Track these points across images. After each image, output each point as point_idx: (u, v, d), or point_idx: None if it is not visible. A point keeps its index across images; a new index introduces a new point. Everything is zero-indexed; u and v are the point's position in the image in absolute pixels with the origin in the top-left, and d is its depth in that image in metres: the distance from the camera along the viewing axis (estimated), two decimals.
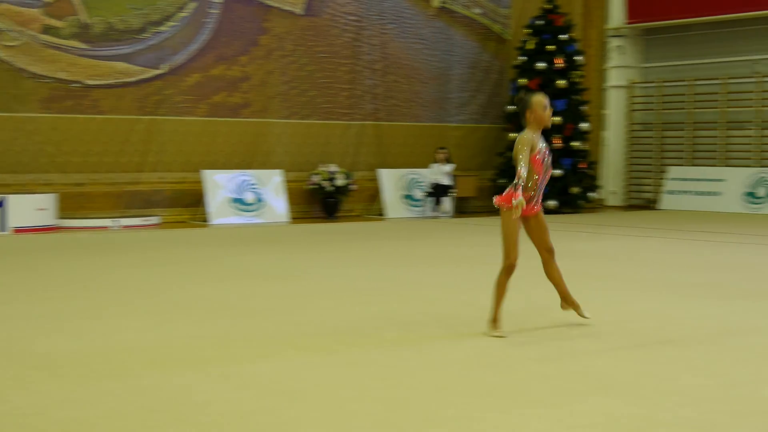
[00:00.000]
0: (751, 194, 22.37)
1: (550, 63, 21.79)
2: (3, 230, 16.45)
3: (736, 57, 23.19)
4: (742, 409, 5.48)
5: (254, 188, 19.52)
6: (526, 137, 7.53)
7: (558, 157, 21.41)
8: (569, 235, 16.41)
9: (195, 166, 19.23)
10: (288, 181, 20.00)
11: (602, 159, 24.80)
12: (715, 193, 22.92)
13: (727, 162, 23.36)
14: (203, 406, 5.50)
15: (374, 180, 21.33)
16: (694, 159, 23.97)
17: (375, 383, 6.06)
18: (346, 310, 8.79)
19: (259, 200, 19.50)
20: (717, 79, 23.47)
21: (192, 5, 19.37)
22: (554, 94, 21.52)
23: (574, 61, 22.16)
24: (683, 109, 24.10)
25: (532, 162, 7.53)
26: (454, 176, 21.15)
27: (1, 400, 5.62)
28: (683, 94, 24.15)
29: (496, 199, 7.64)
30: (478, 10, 23.38)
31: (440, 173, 20.89)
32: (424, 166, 21.48)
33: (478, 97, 23.48)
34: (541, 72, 21.81)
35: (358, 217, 20.68)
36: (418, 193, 21.40)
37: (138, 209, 18.60)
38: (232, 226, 18.47)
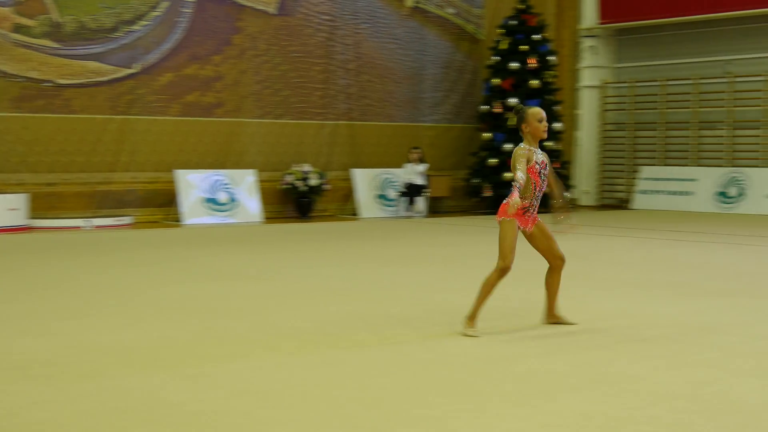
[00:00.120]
0: (722, 194, 22.50)
1: (523, 63, 21.84)
2: None
3: (708, 57, 23.32)
4: (714, 408, 5.50)
5: (227, 188, 19.47)
6: (521, 150, 7.58)
7: None
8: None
9: (168, 165, 19.16)
10: (261, 181, 19.96)
11: (575, 159, 24.89)
12: (687, 193, 23.04)
13: (699, 162, 23.48)
14: (176, 406, 5.48)
15: (348, 180, 21.32)
16: (666, 159, 24.08)
17: (348, 383, 6.05)
18: (319, 310, 8.78)
19: (233, 200, 19.45)
20: (689, 79, 23.59)
21: (165, 4, 19.30)
22: (527, 94, 21.62)
23: (547, 61, 22.22)
24: (655, 109, 24.21)
25: (529, 173, 7.56)
26: (428, 176, 21.16)
27: None
28: (655, 95, 24.26)
29: (496, 217, 7.69)
30: (451, 10, 23.41)
31: (414, 173, 20.90)
32: (398, 165, 21.49)
33: (451, 97, 23.50)
34: (514, 72, 21.86)
35: (331, 217, 20.66)
36: (392, 193, 21.41)
37: (110, 209, 18.51)
38: (205, 226, 18.42)
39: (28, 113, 17.84)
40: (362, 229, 18.40)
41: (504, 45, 22.17)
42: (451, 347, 7.15)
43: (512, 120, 7.97)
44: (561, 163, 21.89)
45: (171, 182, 18.96)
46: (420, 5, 22.90)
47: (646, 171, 23.98)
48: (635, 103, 24.63)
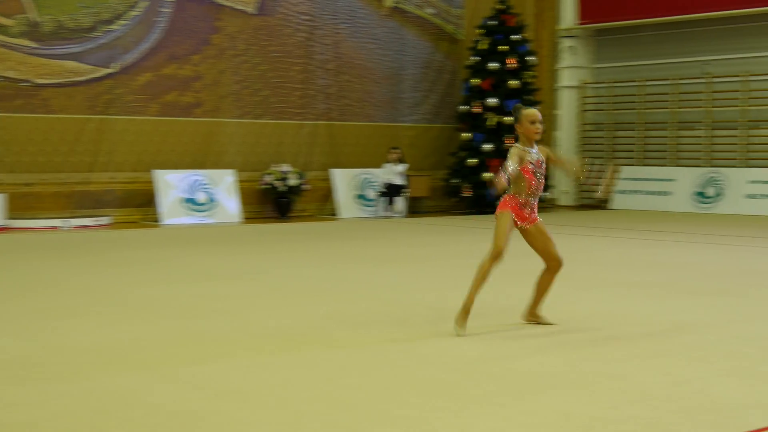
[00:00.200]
0: (701, 194, 22.60)
1: (502, 63, 21.87)
2: None
3: (686, 58, 23.41)
4: (691, 406, 5.52)
5: (206, 188, 19.42)
6: (514, 149, 7.66)
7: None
8: (520, 235, 16.46)
9: (146, 165, 19.10)
10: (240, 181, 19.92)
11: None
12: (665, 193, 23.13)
13: (677, 162, 23.57)
14: (153, 407, 5.46)
15: (327, 180, 21.30)
16: (644, 159, 24.16)
17: (326, 383, 6.04)
18: (297, 310, 8.76)
19: (211, 200, 19.40)
20: (667, 79, 23.67)
21: (143, 4, 19.23)
22: (506, 95, 21.66)
23: (527, 61, 22.26)
24: (634, 109, 24.29)
25: (522, 172, 7.64)
26: (407, 176, 21.17)
27: None
28: (634, 95, 24.34)
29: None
30: (430, 10, 23.42)
31: (393, 173, 20.90)
32: (377, 165, 21.48)
33: (430, 97, 23.51)
34: (493, 72, 21.89)
35: (310, 217, 20.64)
36: (371, 193, 21.40)
37: (88, 209, 18.44)
38: (184, 226, 18.37)
39: (5, 113, 17.75)
40: (341, 229, 18.39)
41: (483, 45, 22.20)
42: (431, 347, 7.15)
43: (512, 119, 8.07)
44: None
45: (149, 182, 18.90)
46: (399, 5, 22.90)
47: (625, 171, 24.05)
48: (614, 103, 24.70)
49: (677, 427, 5.13)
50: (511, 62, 21.89)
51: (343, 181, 21.30)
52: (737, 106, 22.59)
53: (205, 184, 19.41)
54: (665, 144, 23.85)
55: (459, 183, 22.00)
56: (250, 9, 20.60)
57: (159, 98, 19.44)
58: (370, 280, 10.84)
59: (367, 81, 22.45)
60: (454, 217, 21.12)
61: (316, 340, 7.40)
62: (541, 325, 7.94)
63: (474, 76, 22.18)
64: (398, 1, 22.88)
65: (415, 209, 21.83)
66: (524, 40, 22.46)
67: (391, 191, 20.91)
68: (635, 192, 23.59)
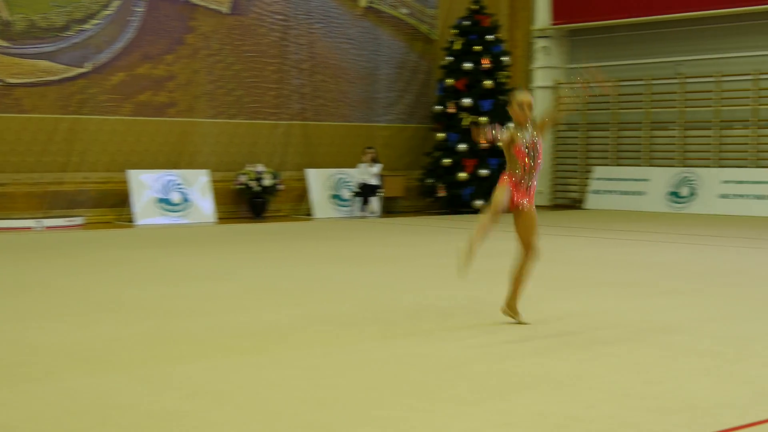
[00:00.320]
0: (674, 194, 22.70)
1: (476, 63, 21.91)
2: None
3: (659, 58, 23.51)
4: (664, 406, 5.53)
5: (180, 188, 19.35)
6: (509, 129, 7.91)
7: (485, 157, 21.54)
8: (495, 235, 16.49)
9: (120, 165, 19.02)
10: (215, 181, 19.86)
11: None
12: (639, 193, 23.22)
13: (651, 162, 23.67)
14: (127, 408, 5.43)
15: (302, 180, 21.27)
16: (618, 159, 24.25)
17: (302, 383, 6.03)
18: (272, 310, 8.75)
19: (186, 200, 19.34)
20: (641, 80, 23.77)
21: (116, 3, 19.15)
22: (481, 95, 21.71)
23: (501, 61, 22.30)
24: (608, 109, 24.37)
25: (515, 152, 7.83)
26: (382, 176, 21.16)
27: None
28: (608, 95, 24.40)
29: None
30: (405, 10, 23.43)
31: (368, 173, 20.89)
32: (352, 166, 21.47)
33: (405, 97, 23.52)
34: (467, 72, 21.92)
35: (285, 217, 20.61)
36: (346, 193, 21.38)
37: (62, 210, 18.34)
38: (158, 226, 18.30)
39: None
40: (316, 229, 18.37)
41: (457, 45, 22.23)
42: (407, 347, 7.14)
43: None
44: None
45: (123, 182, 18.82)
46: (373, 5, 22.90)
47: (599, 171, 24.14)
48: (588, 103, 24.76)
49: (652, 426, 5.15)
50: (486, 62, 21.93)
51: (318, 181, 21.28)
52: (710, 107, 22.71)
53: (179, 184, 19.34)
54: (639, 144, 23.95)
55: (434, 183, 22.02)
56: (224, 9, 20.55)
57: (132, 98, 19.36)
58: (345, 281, 10.83)
59: (341, 81, 22.43)
60: (429, 217, 21.14)
61: (293, 340, 7.39)
62: (517, 325, 7.94)
63: (448, 76, 22.21)
64: (372, 1, 22.87)
65: (390, 209, 21.84)
66: (498, 41, 22.51)
67: (365, 191, 20.90)
68: (609, 192, 23.68)
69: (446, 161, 21.70)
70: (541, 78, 25.09)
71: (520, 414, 5.37)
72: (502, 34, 23.16)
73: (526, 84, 25.04)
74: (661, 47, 23.51)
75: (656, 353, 6.98)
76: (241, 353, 6.92)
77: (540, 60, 25.06)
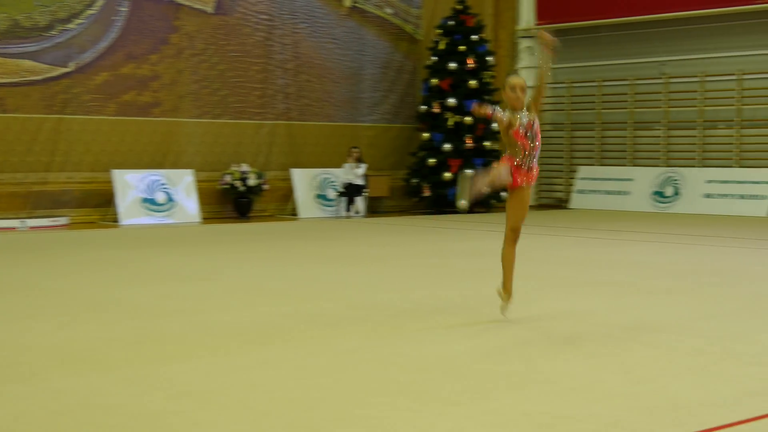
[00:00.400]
0: (659, 193, 22.77)
1: (461, 63, 21.93)
2: None
3: (643, 58, 23.57)
4: (651, 405, 5.54)
5: (165, 188, 19.31)
6: (507, 114, 7.97)
7: (469, 157, 21.56)
8: (480, 234, 16.51)
9: (104, 165, 18.97)
10: (199, 181, 19.83)
11: None
12: (623, 193, 23.28)
13: (635, 162, 23.73)
14: (112, 408, 5.41)
15: (287, 180, 21.25)
16: (603, 159, 24.31)
17: (287, 383, 6.02)
18: (257, 310, 8.73)
19: (170, 200, 19.30)
20: (625, 80, 23.83)
21: (100, 2, 19.10)
22: (466, 95, 21.72)
23: (486, 61, 22.33)
24: (593, 109, 24.43)
25: (513, 136, 7.92)
26: (367, 176, 21.15)
27: None
28: (592, 95, 24.48)
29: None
30: (389, 10, 23.43)
31: (353, 173, 20.88)
32: (337, 165, 21.46)
33: (390, 97, 23.52)
34: (452, 72, 21.94)
35: (270, 217, 20.58)
36: (331, 193, 21.37)
37: (46, 210, 18.28)
38: (143, 226, 18.26)
39: None
40: (301, 229, 18.35)
41: (442, 45, 22.25)
42: (392, 347, 7.14)
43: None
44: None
45: (108, 182, 18.77)
46: (358, 5, 22.89)
47: (583, 171, 24.19)
48: (572, 103, 24.83)
49: (637, 426, 5.15)
50: (470, 62, 21.95)
51: (303, 181, 21.26)
52: (694, 107, 22.78)
53: (163, 184, 19.30)
54: (623, 144, 24.01)
55: (419, 183, 22.03)
56: (208, 8, 20.51)
57: (117, 98, 19.31)
58: (330, 280, 10.82)
59: (326, 81, 22.42)
60: (414, 216, 21.14)
61: (277, 340, 7.38)
62: (502, 324, 7.93)
63: (433, 76, 22.22)
64: (357, 1, 22.87)
65: (375, 209, 21.83)
66: (483, 41, 22.53)
67: (350, 191, 20.89)
68: (594, 192, 23.73)
69: (431, 161, 21.72)
70: (525, 78, 25.05)
71: (506, 413, 5.37)
72: (487, 34, 23.19)
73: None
74: (645, 47, 23.57)
75: (641, 352, 6.99)
76: (227, 353, 6.91)
77: (524, 60, 25.09)
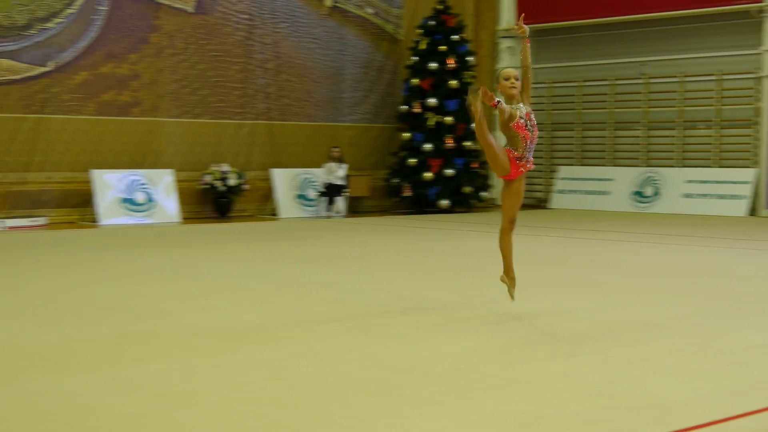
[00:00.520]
0: (638, 193, 22.83)
1: (442, 63, 21.93)
2: None
3: (624, 59, 23.63)
4: (631, 404, 5.55)
5: (145, 188, 19.25)
6: (509, 107, 8.05)
7: (450, 157, 21.58)
8: (461, 234, 16.53)
9: (84, 165, 18.88)
10: (179, 181, 19.76)
11: None
12: (604, 193, 23.34)
13: (615, 162, 23.80)
14: (92, 409, 5.39)
15: (267, 180, 21.21)
16: (583, 159, 24.36)
17: (267, 384, 6.01)
18: (238, 310, 8.71)
19: (150, 200, 19.23)
20: (606, 80, 23.89)
21: (79, 2, 19.00)
22: (446, 95, 21.73)
23: (466, 61, 22.34)
24: (573, 109, 24.48)
25: (515, 128, 8.03)
26: (347, 176, 21.14)
27: None
28: (573, 95, 24.53)
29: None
30: (370, 10, 23.41)
31: (333, 173, 20.86)
32: (318, 165, 21.44)
33: (371, 96, 23.51)
34: (433, 72, 21.94)
35: (251, 217, 20.54)
36: (312, 193, 21.35)
37: (25, 210, 18.18)
38: (122, 226, 18.19)
39: None
40: (282, 229, 18.33)
41: (423, 45, 22.25)
42: (373, 346, 7.14)
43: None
44: (480, 163, 22.00)
45: (87, 182, 18.69)
46: (339, 5, 22.86)
47: (564, 171, 24.24)
48: (553, 103, 24.87)
49: (619, 425, 5.16)
50: (451, 62, 21.96)
51: (284, 180, 21.23)
52: (674, 107, 22.86)
53: (143, 184, 19.24)
54: (603, 144, 24.07)
55: (399, 183, 22.02)
56: (188, 8, 20.45)
57: (96, 97, 19.22)
58: (311, 280, 10.81)
59: (306, 80, 22.39)
60: (395, 216, 21.14)
61: (259, 340, 7.36)
62: (484, 325, 7.94)
63: (414, 76, 22.22)
64: (338, 1, 22.84)
65: (356, 209, 21.82)
66: (463, 41, 22.55)
67: (331, 191, 20.87)
68: (574, 192, 23.78)
69: (412, 161, 21.72)
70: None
71: (487, 413, 5.37)
72: (468, 34, 23.20)
73: (491, 84, 25.07)
74: (625, 48, 23.64)
75: (622, 352, 7.01)
76: (207, 354, 6.89)
77: (505, 60, 25.09)
